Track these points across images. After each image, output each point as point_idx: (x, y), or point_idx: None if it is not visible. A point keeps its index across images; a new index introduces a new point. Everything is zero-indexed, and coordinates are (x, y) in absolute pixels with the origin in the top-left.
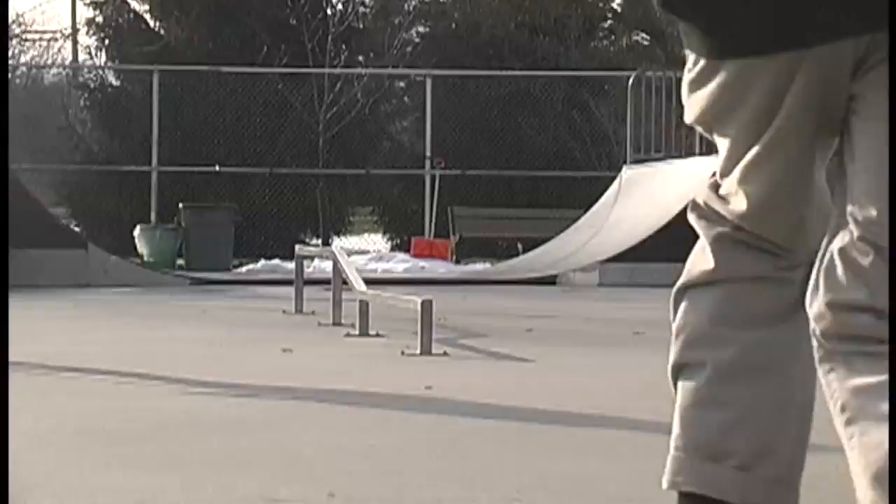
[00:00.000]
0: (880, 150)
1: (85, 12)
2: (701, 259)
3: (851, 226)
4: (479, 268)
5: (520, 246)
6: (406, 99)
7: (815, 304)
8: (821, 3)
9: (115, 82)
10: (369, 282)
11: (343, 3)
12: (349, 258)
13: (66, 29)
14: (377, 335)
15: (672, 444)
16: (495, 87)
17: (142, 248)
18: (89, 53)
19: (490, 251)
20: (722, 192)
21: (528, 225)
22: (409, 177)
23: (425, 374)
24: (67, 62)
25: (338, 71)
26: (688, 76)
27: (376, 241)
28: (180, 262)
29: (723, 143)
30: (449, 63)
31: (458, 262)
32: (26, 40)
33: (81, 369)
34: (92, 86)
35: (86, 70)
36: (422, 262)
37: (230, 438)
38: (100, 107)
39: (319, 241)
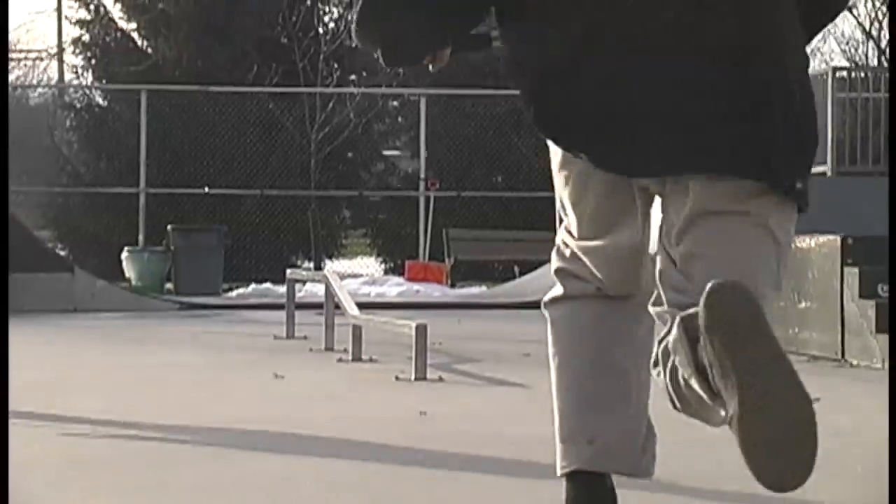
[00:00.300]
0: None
1: (71, 31)
2: (554, 285)
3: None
4: (475, 291)
5: (516, 269)
6: (400, 119)
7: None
8: (644, 150)
9: (102, 102)
10: (362, 306)
11: (335, 21)
12: (342, 282)
13: (51, 48)
14: (371, 360)
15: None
16: (491, 106)
17: (129, 271)
18: (76, 73)
19: (486, 274)
20: (569, 246)
21: (525, 247)
22: (403, 198)
23: (420, 399)
24: (53, 82)
25: (330, 90)
26: (555, 156)
27: (369, 265)
28: (169, 286)
29: (570, 216)
30: (443, 81)
31: (453, 285)
32: (11, 60)
33: (68, 395)
34: (78, 106)
35: (72, 90)
36: (416, 286)
37: (221, 465)
38: (86, 127)
39: (311, 265)
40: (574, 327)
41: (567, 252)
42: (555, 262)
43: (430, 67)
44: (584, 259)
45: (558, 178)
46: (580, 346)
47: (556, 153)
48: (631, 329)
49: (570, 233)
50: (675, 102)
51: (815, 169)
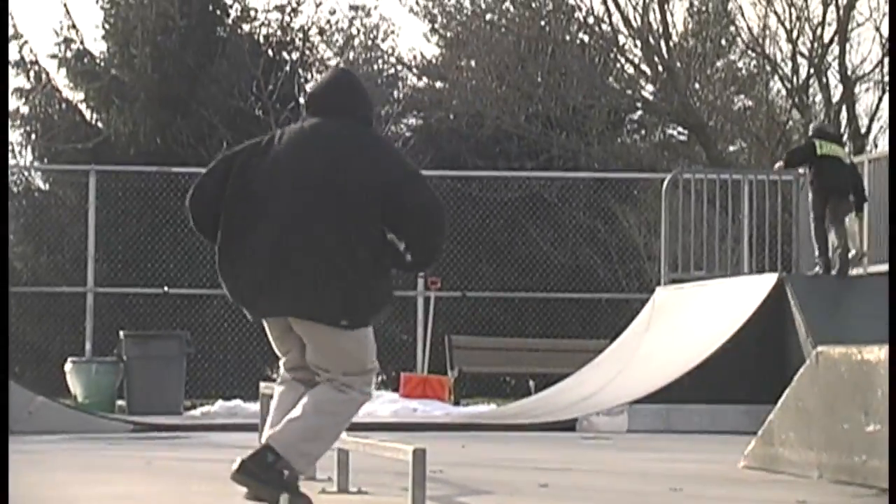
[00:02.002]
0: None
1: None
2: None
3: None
4: (483, 410)
5: (531, 383)
6: None
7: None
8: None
9: (43, 186)
10: (349, 426)
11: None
12: None
13: None
14: (359, 492)
15: None
16: (502, 191)
17: (74, 386)
18: (12, 151)
19: (496, 389)
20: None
21: (542, 358)
22: (398, 299)
23: None
24: None
25: None
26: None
27: None
28: (121, 403)
29: None
30: (446, 162)
31: (457, 402)
32: None
33: None
34: (15, 190)
35: (9, 171)
36: (413, 403)
37: None
38: (24, 215)
39: None
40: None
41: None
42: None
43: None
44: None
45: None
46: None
47: None
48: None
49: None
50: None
51: (880, 269)
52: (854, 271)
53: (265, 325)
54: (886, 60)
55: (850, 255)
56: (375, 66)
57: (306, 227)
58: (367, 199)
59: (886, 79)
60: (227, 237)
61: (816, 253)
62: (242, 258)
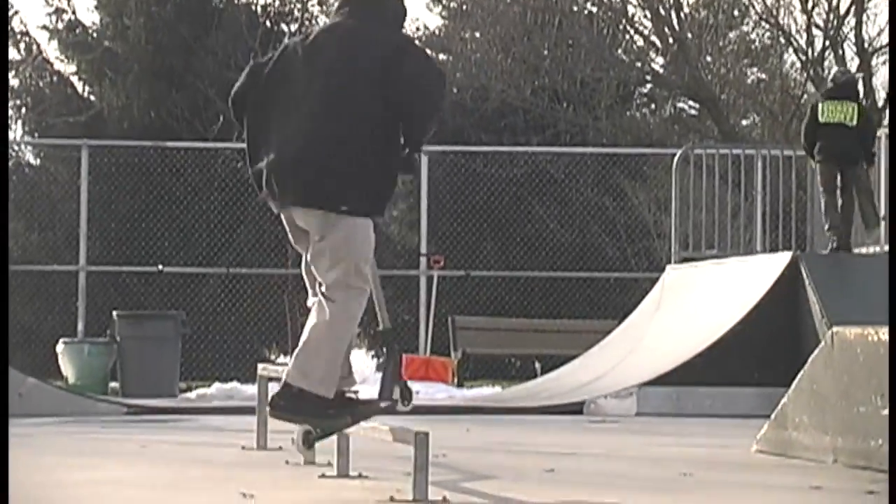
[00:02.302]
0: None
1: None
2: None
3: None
4: (487, 392)
5: (537, 365)
6: None
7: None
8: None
9: (33, 161)
10: None
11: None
12: None
13: None
14: (360, 476)
15: None
16: (507, 167)
17: (66, 367)
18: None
19: (500, 371)
20: None
21: (548, 339)
22: (400, 278)
23: None
24: None
25: None
26: None
27: (358, 359)
28: (114, 385)
29: None
30: (450, 137)
31: (460, 385)
32: None
33: None
34: None
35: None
36: (416, 386)
37: None
38: (15, 192)
39: (287, 359)
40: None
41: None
42: None
43: None
44: None
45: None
46: None
47: None
48: None
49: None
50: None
51: None
52: (870, 249)
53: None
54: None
55: (852, 229)
56: None
57: (316, 117)
58: (372, 82)
59: None
60: (254, 126)
61: (826, 227)
62: (267, 146)
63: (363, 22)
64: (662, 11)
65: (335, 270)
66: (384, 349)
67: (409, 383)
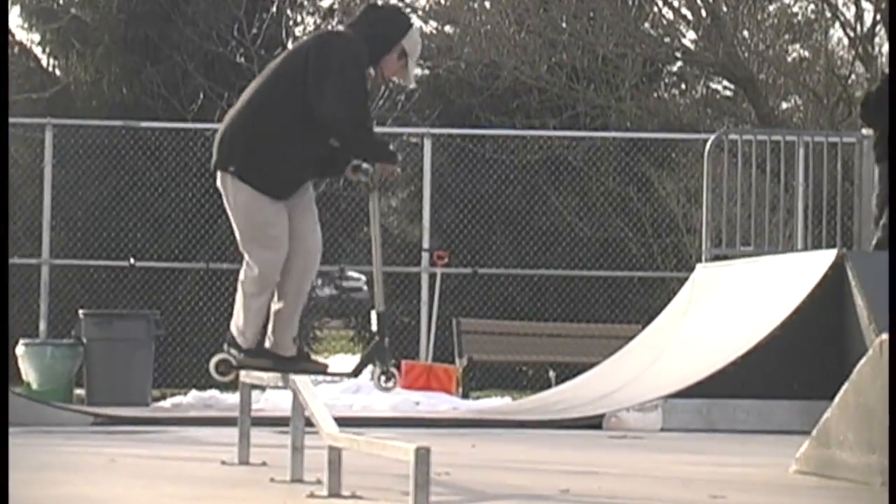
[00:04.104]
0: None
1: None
2: None
3: None
4: (495, 404)
5: (552, 374)
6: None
7: None
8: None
9: None
10: (343, 422)
11: (311, 33)
12: (315, 388)
13: None
14: (353, 497)
15: None
16: (520, 153)
17: (27, 372)
18: None
19: (510, 381)
20: None
21: (564, 345)
22: (399, 276)
23: None
24: None
25: None
26: None
27: (353, 366)
28: (80, 392)
29: None
30: (456, 119)
31: (465, 395)
32: None
33: None
34: None
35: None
36: (416, 396)
37: None
38: None
39: None
40: None
41: None
42: None
43: None
44: None
45: None
46: None
47: None
48: None
49: None
50: None
51: None
52: None
53: None
54: None
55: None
56: None
57: (243, 96)
58: (296, 66)
59: None
60: None
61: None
62: None
63: (345, 29)
64: None
65: (237, 231)
66: (375, 329)
67: (409, 392)
